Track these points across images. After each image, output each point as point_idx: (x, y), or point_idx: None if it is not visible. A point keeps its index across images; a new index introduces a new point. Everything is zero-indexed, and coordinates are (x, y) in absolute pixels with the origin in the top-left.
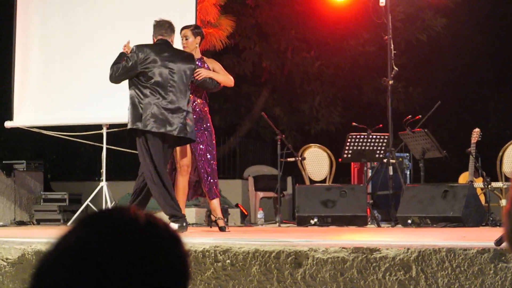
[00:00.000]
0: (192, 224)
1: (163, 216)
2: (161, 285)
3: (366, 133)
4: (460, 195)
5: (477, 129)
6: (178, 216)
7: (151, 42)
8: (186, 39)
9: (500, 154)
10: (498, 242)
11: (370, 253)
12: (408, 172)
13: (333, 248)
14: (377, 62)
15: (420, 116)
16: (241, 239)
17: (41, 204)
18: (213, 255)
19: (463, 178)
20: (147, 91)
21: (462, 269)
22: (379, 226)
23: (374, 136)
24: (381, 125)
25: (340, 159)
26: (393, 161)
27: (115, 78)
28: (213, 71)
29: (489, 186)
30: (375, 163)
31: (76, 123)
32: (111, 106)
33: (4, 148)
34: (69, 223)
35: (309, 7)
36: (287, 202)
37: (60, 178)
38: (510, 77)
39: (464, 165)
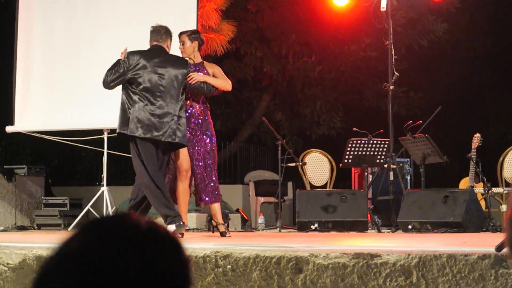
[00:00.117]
0: (193, 229)
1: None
2: None
3: (367, 138)
4: (461, 200)
5: (477, 134)
6: (173, 216)
7: (149, 47)
8: (183, 44)
9: (501, 159)
10: (499, 247)
11: (371, 259)
12: (408, 178)
13: (333, 253)
14: (378, 67)
15: (421, 121)
16: (242, 245)
17: (42, 209)
18: (214, 260)
19: (464, 183)
20: (136, 97)
21: (463, 274)
22: (379, 231)
23: (375, 141)
24: (382, 130)
25: (340, 164)
26: (394, 166)
27: (107, 84)
28: (213, 75)
29: (490, 191)
30: (376, 168)
31: (77, 128)
32: (112, 111)
33: (5, 152)
34: (70, 228)
35: (310, 12)
36: (287, 207)
37: (61, 183)
38: (511, 82)
39: (464, 170)
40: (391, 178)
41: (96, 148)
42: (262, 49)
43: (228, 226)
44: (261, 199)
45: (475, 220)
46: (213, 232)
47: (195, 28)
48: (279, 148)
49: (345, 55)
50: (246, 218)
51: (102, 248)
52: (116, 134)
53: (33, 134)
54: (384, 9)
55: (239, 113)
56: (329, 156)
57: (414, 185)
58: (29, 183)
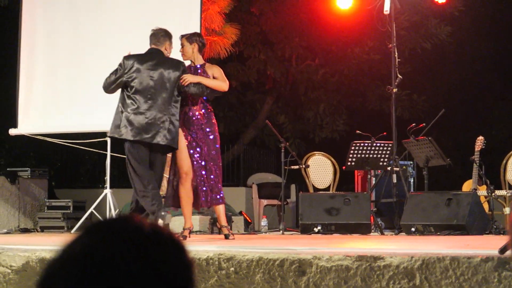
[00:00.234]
0: (196, 231)
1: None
2: None
3: (370, 141)
4: (464, 203)
5: (481, 137)
6: (156, 211)
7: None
8: (182, 47)
9: (504, 162)
10: (502, 250)
11: (374, 261)
12: (412, 180)
13: (337, 256)
14: (381, 70)
15: (424, 124)
16: (245, 247)
17: (45, 211)
18: (217, 262)
19: (467, 186)
20: (129, 101)
21: (466, 277)
22: (382, 234)
23: (378, 144)
24: (385, 133)
25: (344, 167)
26: (397, 169)
27: (106, 88)
28: (213, 77)
29: (493, 194)
30: (379, 171)
31: (80, 130)
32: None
33: (8, 155)
34: (73, 231)
35: (314, 15)
36: (290, 210)
37: (64, 186)
38: None
39: (467, 173)
40: (394, 180)
41: (99, 151)
42: (265, 52)
43: (231, 229)
44: (264, 202)
45: (478, 222)
46: (219, 233)
47: (198, 31)
48: (282, 150)
49: (349, 58)
50: (249, 220)
51: (105, 250)
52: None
53: (36, 137)
54: (388, 12)
55: (242, 116)
56: (332, 159)
57: (417, 188)
58: (32, 186)
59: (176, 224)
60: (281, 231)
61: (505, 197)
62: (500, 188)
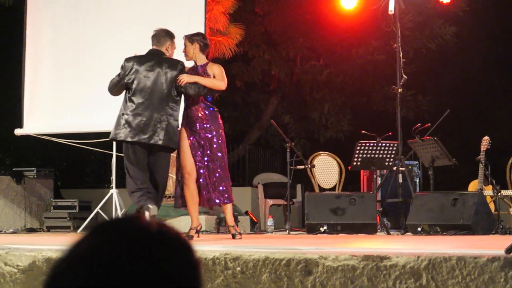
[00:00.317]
0: (202, 231)
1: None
2: None
3: (375, 141)
4: (470, 203)
5: (486, 137)
6: (142, 205)
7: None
8: (185, 47)
9: (510, 162)
10: (509, 250)
11: (380, 261)
12: (417, 180)
13: (343, 256)
14: (386, 70)
15: (429, 124)
16: (251, 247)
17: (51, 211)
18: (223, 262)
19: (473, 186)
20: (129, 103)
21: (473, 277)
22: (388, 234)
23: (384, 144)
24: (390, 133)
25: (349, 167)
26: (403, 169)
27: (110, 91)
28: (213, 76)
29: (499, 194)
30: (385, 171)
31: (86, 130)
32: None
33: (14, 155)
34: (79, 230)
35: (318, 16)
36: (296, 210)
37: (70, 185)
38: None
39: (473, 173)
40: (400, 180)
41: (105, 151)
42: (270, 52)
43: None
44: (270, 202)
45: (484, 222)
46: (225, 233)
47: (202, 31)
48: (288, 150)
49: (353, 58)
50: (255, 220)
51: (111, 250)
52: None
53: (42, 137)
54: (392, 12)
55: (247, 116)
56: (338, 159)
57: (423, 188)
58: (38, 186)
59: (182, 224)
60: (287, 231)
61: (511, 197)
62: (506, 188)
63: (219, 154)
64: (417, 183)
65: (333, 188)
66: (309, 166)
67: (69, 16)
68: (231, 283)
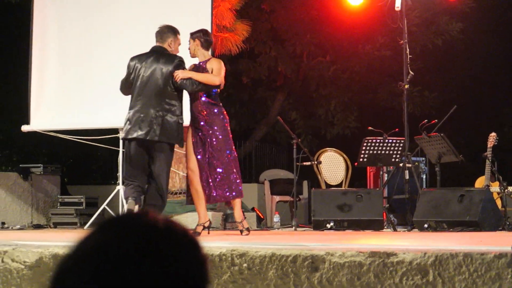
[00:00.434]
0: (208, 227)
1: (181, 220)
2: None
3: (382, 138)
4: (477, 199)
5: (493, 133)
6: (127, 198)
7: None
8: (189, 44)
9: None
10: None
11: (387, 258)
12: (424, 177)
13: (350, 252)
14: (393, 66)
15: (436, 120)
16: (258, 243)
17: (58, 207)
18: (230, 258)
19: (480, 182)
20: (131, 99)
21: (480, 273)
22: (395, 230)
23: (390, 140)
24: (397, 130)
25: (356, 163)
26: (409, 165)
27: (120, 90)
28: (212, 71)
29: (506, 190)
30: (391, 167)
31: (92, 127)
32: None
33: (21, 152)
34: (86, 227)
35: (325, 12)
36: (303, 206)
37: (76, 182)
38: None
39: (480, 169)
40: (407, 177)
41: (111, 147)
42: (276, 49)
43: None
44: (277, 198)
45: (491, 219)
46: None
47: (209, 27)
48: (294, 147)
49: (360, 54)
50: (262, 216)
51: (118, 246)
52: None
53: (48, 133)
54: (399, 9)
55: (253, 113)
56: (344, 155)
57: (430, 184)
58: (45, 182)
59: (189, 221)
60: (293, 227)
61: None
62: None
63: (221, 150)
64: (424, 180)
65: (340, 185)
66: (316, 162)
67: (75, 13)
68: (238, 279)
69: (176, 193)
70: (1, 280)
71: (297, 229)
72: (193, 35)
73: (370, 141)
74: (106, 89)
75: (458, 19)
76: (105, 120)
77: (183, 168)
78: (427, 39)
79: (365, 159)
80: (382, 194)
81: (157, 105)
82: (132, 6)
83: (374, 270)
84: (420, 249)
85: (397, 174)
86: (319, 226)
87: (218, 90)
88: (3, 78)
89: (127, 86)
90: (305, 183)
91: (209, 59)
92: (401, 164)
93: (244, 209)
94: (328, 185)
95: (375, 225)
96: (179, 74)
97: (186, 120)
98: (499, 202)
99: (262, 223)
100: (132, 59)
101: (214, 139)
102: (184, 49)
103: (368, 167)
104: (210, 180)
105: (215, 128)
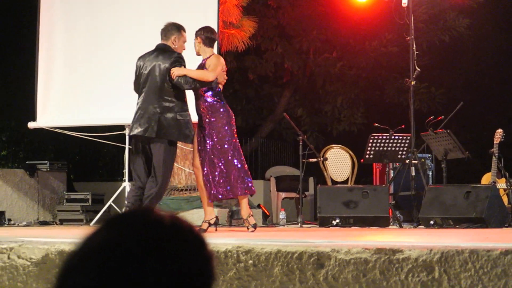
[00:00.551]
0: (214, 224)
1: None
2: (185, 286)
3: (388, 134)
4: (483, 196)
5: (500, 130)
6: (126, 203)
7: None
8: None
9: None
10: None
11: (393, 254)
12: (430, 173)
13: (355, 249)
14: (399, 62)
15: (442, 117)
16: (263, 240)
17: (64, 204)
18: (235, 255)
19: (486, 179)
20: (139, 98)
21: (486, 270)
22: (401, 227)
23: (396, 137)
24: (403, 126)
25: (362, 160)
26: (415, 161)
27: (134, 90)
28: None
29: None
30: (397, 163)
31: (98, 124)
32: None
33: (27, 148)
34: (92, 223)
35: (331, 8)
36: (309, 203)
37: (83, 179)
38: None
39: (487, 166)
40: (413, 173)
41: (117, 144)
42: (283, 45)
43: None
44: (282, 195)
45: (497, 215)
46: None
47: (215, 24)
48: (300, 143)
49: (366, 51)
50: (268, 213)
51: (124, 244)
52: None
53: (55, 130)
54: (406, 5)
55: (260, 109)
56: (351, 152)
57: (436, 181)
58: (51, 179)
59: (195, 217)
60: (299, 224)
61: None
62: None
63: (222, 148)
64: (430, 176)
65: (346, 181)
66: (322, 159)
67: (82, 11)
68: (243, 276)
69: (182, 190)
70: (7, 276)
71: (303, 225)
72: (196, 33)
73: (376, 137)
74: (113, 85)
75: (465, 15)
76: (111, 117)
77: (189, 165)
78: (434, 35)
79: (371, 156)
80: (388, 191)
81: (155, 102)
82: (139, 3)
83: (380, 267)
84: (426, 246)
85: (403, 171)
86: (325, 222)
87: (221, 86)
88: (9, 76)
89: (136, 85)
90: (311, 179)
91: (210, 56)
92: (407, 161)
93: (250, 205)
94: (334, 182)
95: (381, 222)
96: (175, 72)
97: (195, 117)
98: (505, 199)
99: (268, 220)
100: (138, 58)
101: (215, 137)
102: (190, 46)
103: (374, 164)
104: (210, 178)
105: (218, 125)
